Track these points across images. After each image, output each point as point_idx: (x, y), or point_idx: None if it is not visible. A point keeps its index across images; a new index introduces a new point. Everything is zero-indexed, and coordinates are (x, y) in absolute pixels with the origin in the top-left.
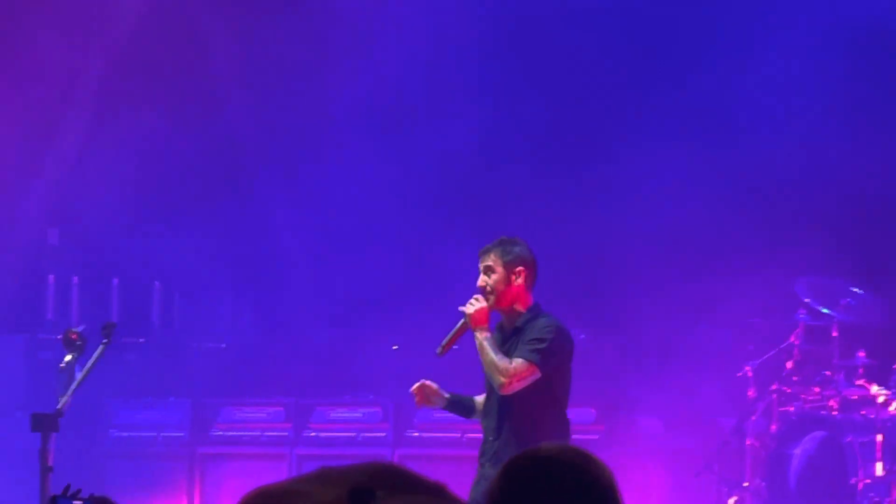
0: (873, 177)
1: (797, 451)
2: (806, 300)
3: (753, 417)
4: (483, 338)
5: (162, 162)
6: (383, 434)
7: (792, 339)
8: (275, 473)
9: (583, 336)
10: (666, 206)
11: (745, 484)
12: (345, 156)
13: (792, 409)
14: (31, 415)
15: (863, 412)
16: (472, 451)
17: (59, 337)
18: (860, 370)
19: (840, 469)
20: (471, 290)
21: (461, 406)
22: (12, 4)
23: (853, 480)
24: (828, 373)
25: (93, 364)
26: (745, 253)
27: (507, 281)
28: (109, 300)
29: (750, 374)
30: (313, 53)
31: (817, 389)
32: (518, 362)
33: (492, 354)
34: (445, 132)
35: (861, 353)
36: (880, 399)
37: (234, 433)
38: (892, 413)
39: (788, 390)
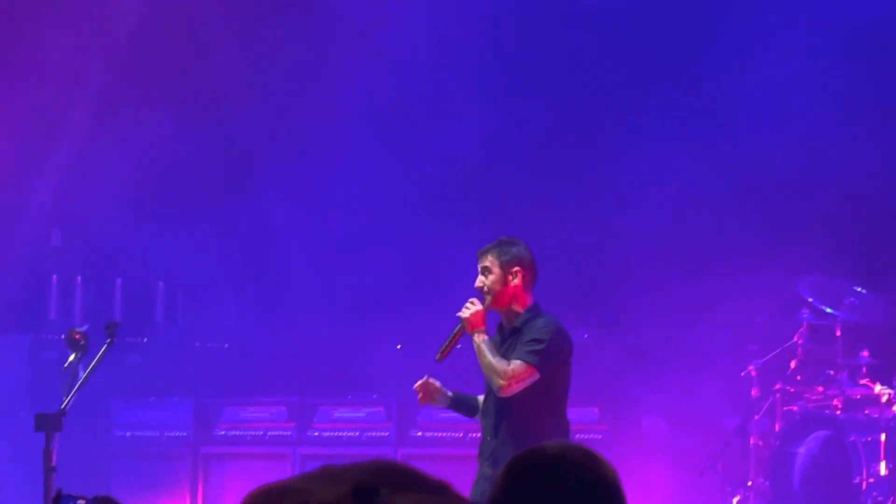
0: (876, 175)
1: (801, 451)
2: (809, 299)
3: (757, 417)
4: (481, 341)
5: (164, 162)
6: (386, 433)
7: (795, 338)
8: (278, 473)
9: (586, 336)
10: (668, 205)
11: (749, 483)
12: (347, 156)
13: (795, 408)
14: (34, 415)
15: (866, 411)
16: (476, 450)
17: (62, 337)
18: (864, 369)
19: (844, 468)
20: (472, 290)
21: (464, 405)
22: (14, 4)
23: (857, 480)
24: (831, 372)
25: (96, 364)
26: (747, 252)
27: (504, 281)
28: (113, 300)
29: (753, 373)
30: (315, 54)
31: (821, 389)
32: (516, 364)
33: (489, 357)
34: (447, 132)
35: (865, 353)
36: (884, 398)
37: (238, 433)
38: (895, 412)
39: (792, 390)
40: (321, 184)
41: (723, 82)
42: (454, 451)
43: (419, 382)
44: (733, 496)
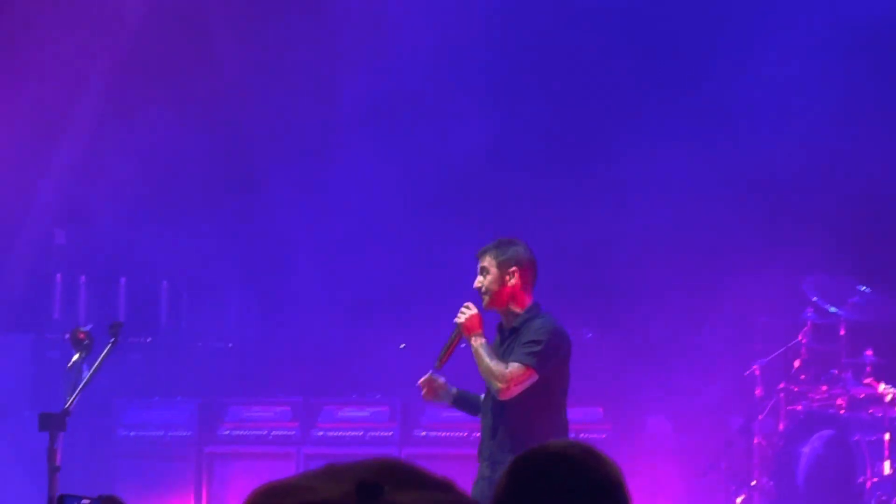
0: (880, 174)
1: (805, 450)
2: (813, 299)
3: (761, 416)
4: (478, 345)
5: (168, 161)
6: (390, 433)
7: (799, 337)
8: (282, 472)
9: (589, 335)
10: (672, 205)
11: (753, 483)
12: (350, 156)
13: (800, 407)
14: (38, 414)
15: (870, 411)
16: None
17: (66, 336)
18: (868, 368)
19: (848, 468)
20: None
21: (467, 403)
22: (18, 4)
23: (861, 479)
24: (835, 371)
25: (100, 363)
26: (751, 252)
27: (501, 282)
28: (117, 299)
29: (757, 372)
30: (319, 54)
31: (825, 388)
32: (514, 367)
33: (487, 361)
34: (449, 133)
35: (869, 352)
36: (888, 397)
37: (242, 432)
38: None
39: (796, 389)
40: (325, 183)
41: (725, 82)
42: (458, 451)
43: (423, 378)
44: (737, 495)
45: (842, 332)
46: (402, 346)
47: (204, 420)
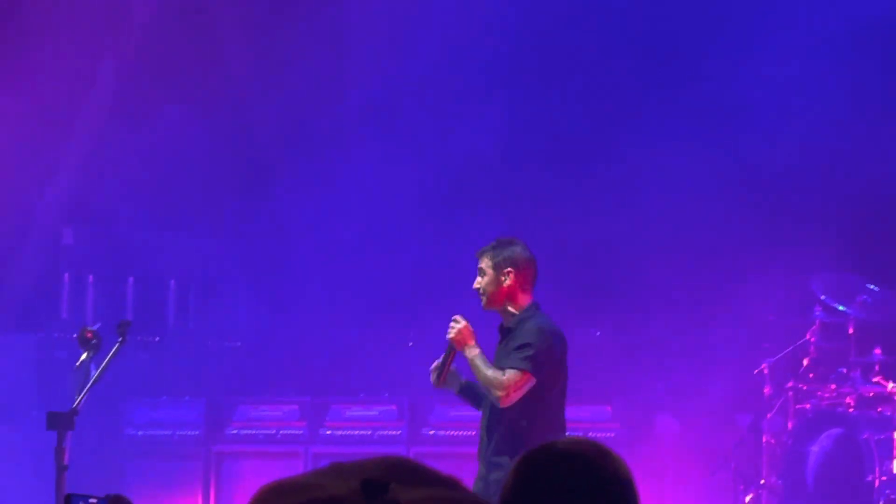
0: (889, 172)
1: (814, 449)
2: (822, 297)
3: (770, 415)
4: (473, 356)
5: (177, 161)
6: (398, 432)
7: (808, 336)
8: (290, 471)
9: (598, 333)
10: (681, 203)
11: (762, 481)
12: (358, 156)
13: (808, 406)
14: (46, 413)
15: (879, 409)
16: None
17: (74, 336)
18: (876, 367)
19: (857, 466)
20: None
21: (473, 395)
22: (27, 3)
23: (870, 477)
24: (844, 370)
25: (108, 362)
26: (760, 250)
27: (497, 282)
28: (124, 299)
29: (766, 371)
30: (328, 53)
31: (833, 386)
32: (510, 373)
33: (485, 371)
34: (456, 132)
35: (877, 350)
36: None
37: (250, 431)
38: None
39: (805, 387)
40: (332, 183)
41: (733, 80)
42: (466, 450)
43: (436, 363)
44: (746, 494)
45: (850, 331)
46: (410, 343)
47: (212, 419)
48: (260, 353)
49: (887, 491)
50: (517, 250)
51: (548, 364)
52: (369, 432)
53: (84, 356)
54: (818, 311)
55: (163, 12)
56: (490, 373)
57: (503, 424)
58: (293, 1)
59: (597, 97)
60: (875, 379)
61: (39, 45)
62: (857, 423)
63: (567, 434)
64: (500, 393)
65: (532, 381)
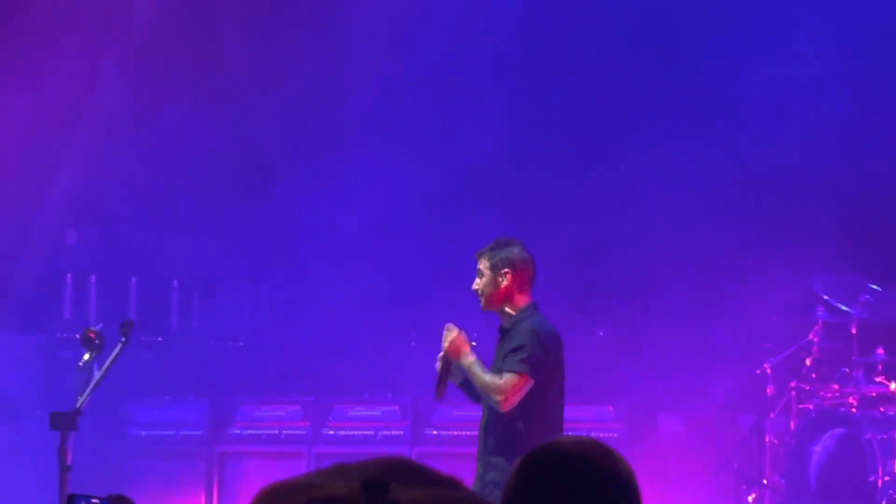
0: (892, 172)
1: (816, 449)
2: (824, 297)
3: (772, 415)
4: (469, 364)
5: (179, 161)
6: (401, 432)
7: (811, 336)
8: (293, 471)
9: (601, 333)
10: (683, 204)
11: (765, 481)
12: (362, 156)
13: (811, 406)
14: (49, 413)
15: (882, 409)
16: None
17: (77, 336)
18: (879, 367)
19: (859, 466)
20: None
21: (473, 389)
22: (29, 2)
23: (872, 477)
24: (847, 370)
25: (111, 363)
26: (763, 250)
27: (494, 283)
28: (127, 299)
29: (769, 371)
30: (332, 52)
31: (836, 386)
32: (508, 377)
33: (483, 377)
34: (460, 133)
35: (880, 350)
36: None
37: (253, 431)
38: None
39: (807, 387)
40: (336, 183)
41: (733, 80)
42: (469, 450)
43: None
44: (749, 494)
45: (853, 331)
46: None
47: (215, 419)
48: (263, 354)
49: (890, 491)
50: (514, 251)
51: (544, 365)
52: (372, 432)
53: (87, 356)
54: (821, 310)
55: (164, 13)
56: (488, 378)
57: (500, 425)
58: (294, 1)
59: (597, 97)
60: (878, 379)
61: (41, 46)
62: (859, 423)
63: (567, 434)
64: (499, 398)
65: (530, 383)
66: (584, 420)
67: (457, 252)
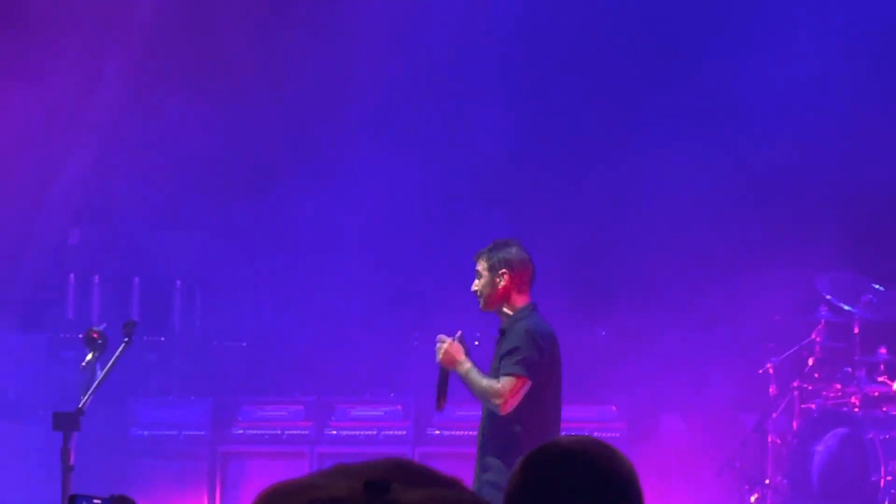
0: (890, 171)
1: (819, 448)
2: (827, 297)
3: (775, 414)
4: (464, 372)
5: (182, 161)
6: (404, 432)
7: (813, 335)
8: (296, 471)
9: (603, 333)
10: (686, 204)
11: (767, 481)
12: (365, 157)
13: (813, 405)
14: (52, 414)
15: (884, 409)
16: None
17: (80, 336)
18: (881, 366)
19: (862, 466)
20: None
21: None
22: (30, 3)
23: (875, 477)
24: (849, 369)
25: (114, 363)
26: (765, 250)
27: (492, 284)
28: (130, 299)
29: (771, 371)
30: (333, 52)
31: (839, 386)
32: (505, 380)
33: (480, 383)
34: (462, 133)
35: (882, 350)
36: None
37: (255, 431)
38: None
39: (810, 387)
40: (339, 183)
41: (733, 80)
42: (472, 450)
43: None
44: (751, 494)
45: (855, 330)
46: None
47: (217, 419)
48: (265, 354)
49: (892, 490)
50: (512, 251)
51: (541, 366)
52: (374, 432)
53: (90, 356)
54: (823, 310)
55: (165, 13)
56: (485, 383)
57: (497, 426)
58: (294, 1)
59: (597, 98)
60: (880, 378)
61: (43, 46)
62: (862, 423)
63: (567, 433)
64: (498, 401)
65: (528, 385)
66: (586, 420)
67: (458, 252)
